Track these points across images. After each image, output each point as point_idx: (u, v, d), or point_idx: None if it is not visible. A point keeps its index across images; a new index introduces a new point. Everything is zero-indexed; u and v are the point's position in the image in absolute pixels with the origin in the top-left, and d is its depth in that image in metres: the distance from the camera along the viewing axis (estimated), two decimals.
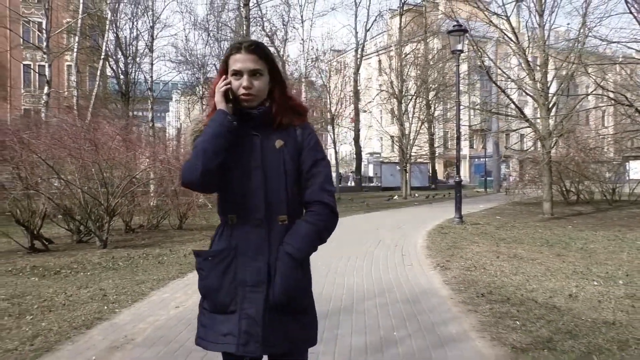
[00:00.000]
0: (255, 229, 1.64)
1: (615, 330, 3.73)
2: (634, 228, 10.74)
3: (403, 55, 25.91)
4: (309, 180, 1.69)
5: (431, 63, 26.44)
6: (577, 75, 15.40)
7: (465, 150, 44.58)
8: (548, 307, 4.37)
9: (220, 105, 1.66)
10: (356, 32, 32.93)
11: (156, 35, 26.11)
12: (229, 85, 1.67)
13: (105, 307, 4.56)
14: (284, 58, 27.65)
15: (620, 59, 17.82)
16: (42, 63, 30.95)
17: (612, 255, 7.28)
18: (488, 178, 32.82)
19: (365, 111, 34.32)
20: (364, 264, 6.80)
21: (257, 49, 1.68)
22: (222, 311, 1.63)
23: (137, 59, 27.08)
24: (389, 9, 36.03)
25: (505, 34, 13.49)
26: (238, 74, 1.66)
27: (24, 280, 6.06)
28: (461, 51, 12.32)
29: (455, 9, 15.31)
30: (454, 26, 12.14)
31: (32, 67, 31.24)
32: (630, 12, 10.00)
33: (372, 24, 33.57)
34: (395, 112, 26.03)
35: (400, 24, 29.33)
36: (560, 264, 6.58)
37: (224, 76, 1.69)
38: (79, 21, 20.32)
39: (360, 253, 7.68)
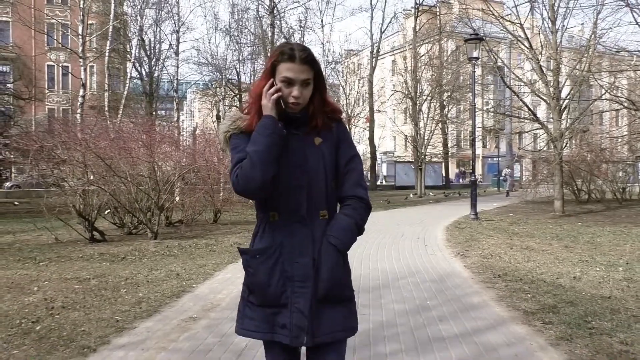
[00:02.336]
0: (299, 225, 1.68)
1: (609, 302, 4.56)
2: None
3: (418, 57, 26.62)
4: (346, 175, 1.75)
5: (445, 65, 27.13)
6: (589, 80, 16.01)
7: (478, 150, 45.14)
8: (555, 285, 5.21)
9: (270, 111, 1.65)
10: (372, 34, 33.64)
11: (180, 39, 27.23)
12: (280, 93, 1.66)
13: (184, 283, 5.49)
14: None
15: (633, 62, 18.40)
16: (66, 64, 32.40)
17: (616, 247, 8.05)
18: (501, 177, 33.37)
19: (380, 111, 35.11)
20: (392, 252, 7.67)
21: (311, 60, 1.67)
22: (273, 305, 1.67)
23: (161, 61, 28.22)
24: (404, 10, 36.75)
25: (519, 40, 14.18)
26: (289, 82, 1.65)
27: (96, 264, 6.97)
28: (477, 58, 13.09)
29: (470, 15, 16.00)
30: (470, 35, 12.90)
31: (56, 66, 32.57)
32: (637, 23, 10.72)
33: (387, 26, 34.19)
34: (410, 112, 26.78)
35: (415, 25, 29.99)
36: (567, 254, 7.39)
37: (271, 80, 1.68)
38: (110, 27, 21.44)
39: (387, 244, 8.55)
